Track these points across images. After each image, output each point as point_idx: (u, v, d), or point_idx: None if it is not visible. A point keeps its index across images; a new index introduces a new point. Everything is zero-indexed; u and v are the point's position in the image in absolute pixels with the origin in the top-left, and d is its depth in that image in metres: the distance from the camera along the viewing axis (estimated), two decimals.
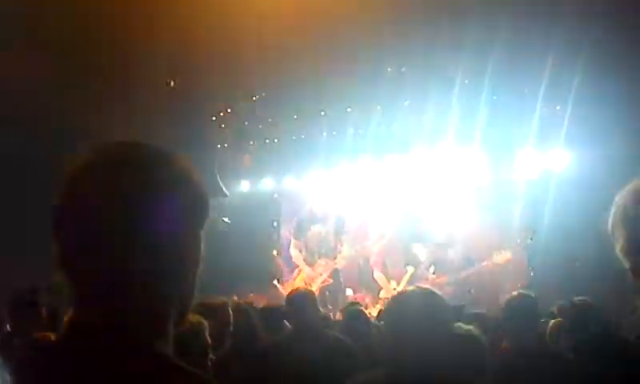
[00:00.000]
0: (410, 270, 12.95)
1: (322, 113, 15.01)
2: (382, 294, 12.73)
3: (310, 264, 14.31)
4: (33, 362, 0.94)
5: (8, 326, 3.95)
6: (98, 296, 0.92)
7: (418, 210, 13.82)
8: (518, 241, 12.94)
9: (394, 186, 14.44)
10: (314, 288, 12.17)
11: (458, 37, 11.15)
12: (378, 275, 13.49)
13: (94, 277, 0.91)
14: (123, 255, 0.91)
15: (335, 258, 14.15)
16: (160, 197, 0.95)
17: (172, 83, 12.42)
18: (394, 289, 12.37)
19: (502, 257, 12.40)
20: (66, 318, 2.67)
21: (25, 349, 2.64)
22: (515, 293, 3.85)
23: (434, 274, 12.62)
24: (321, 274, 13.93)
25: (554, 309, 5.93)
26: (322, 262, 14.25)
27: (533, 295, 3.71)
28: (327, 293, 13.23)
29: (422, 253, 13.11)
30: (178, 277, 0.98)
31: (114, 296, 0.91)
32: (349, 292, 13.68)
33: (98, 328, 0.90)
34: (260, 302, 8.83)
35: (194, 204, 1.01)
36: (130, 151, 0.98)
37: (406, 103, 14.37)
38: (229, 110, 15.31)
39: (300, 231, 14.84)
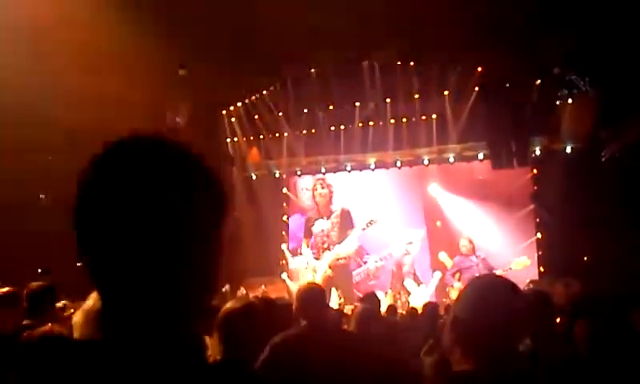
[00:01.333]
0: (438, 275, 13.79)
1: (331, 107, 15.00)
2: (411, 300, 13.32)
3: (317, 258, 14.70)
4: (65, 362, 0.96)
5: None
6: (131, 296, 0.94)
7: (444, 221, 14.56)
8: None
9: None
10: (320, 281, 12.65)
11: None
12: (408, 282, 14.22)
13: (125, 277, 0.93)
14: (155, 255, 0.93)
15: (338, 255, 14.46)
16: (189, 197, 0.97)
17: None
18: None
19: (521, 263, 13.01)
20: (79, 315, 2.72)
21: (43, 345, 2.64)
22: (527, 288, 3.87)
23: (459, 280, 13.08)
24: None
25: None
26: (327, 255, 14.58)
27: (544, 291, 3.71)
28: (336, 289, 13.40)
29: (447, 261, 13.80)
30: (206, 275, 1.00)
31: (149, 295, 0.94)
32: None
33: (139, 328, 0.93)
34: (271, 296, 8.89)
35: (218, 203, 1.02)
36: (157, 152, 0.99)
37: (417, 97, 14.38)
38: (239, 104, 15.35)
39: (308, 229, 15.12)
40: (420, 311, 7.88)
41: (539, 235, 13.69)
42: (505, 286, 1.79)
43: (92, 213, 0.93)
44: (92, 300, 2.60)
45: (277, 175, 16.04)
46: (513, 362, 1.70)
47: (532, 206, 13.85)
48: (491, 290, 1.77)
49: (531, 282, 11.98)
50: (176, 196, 0.95)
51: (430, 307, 7.24)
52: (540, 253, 13.59)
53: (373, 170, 15.34)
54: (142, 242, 0.92)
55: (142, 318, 0.94)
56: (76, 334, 2.94)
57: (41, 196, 12.16)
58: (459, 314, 1.76)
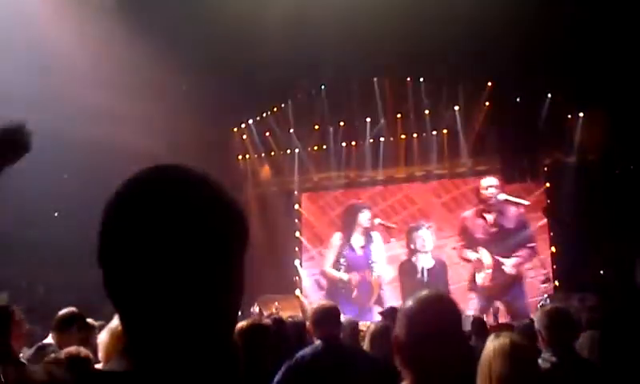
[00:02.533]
0: None
1: (342, 123, 15.05)
2: None
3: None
4: None
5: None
6: (161, 327, 0.95)
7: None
8: None
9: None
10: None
11: None
12: None
13: (154, 311, 0.95)
14: (183, 290, 0.95)
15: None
16: (214, 232, 0.98)
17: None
18: None
19: None
20: (106, 335, 2.74)
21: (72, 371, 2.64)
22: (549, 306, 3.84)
23: None
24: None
25: None
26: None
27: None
28: None
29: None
30: (231, 302, 1.01)
31: (180, 327, 0.95)
32: None
33: (173, 360, 0.94)
34: (284, 313, 8.88)
35: (240, 233, 1.04)
36: (180, 187, 1.00)
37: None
38: (250, 121, 15.43)
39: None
40: None
41: (553, 249, 13.60)
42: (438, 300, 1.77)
43: (120, 254, 0.94)
44: (118, 320, 2.63)
45: (289, 192, 16.06)
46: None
47: (545, 220, 13.76)
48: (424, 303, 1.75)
49: (548, 296, 11.89)
50: (201, 231, 0.95)
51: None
52: (555, 267, 13.49)
53: (384, 185, 15.34)
54: (170, 277, 0.93)
55: (175, 350, 0.95)
56: (101, 354, 2.97)
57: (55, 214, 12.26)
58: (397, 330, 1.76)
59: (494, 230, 14.06)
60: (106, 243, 0.96)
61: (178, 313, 0.93)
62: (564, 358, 3.38)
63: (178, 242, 0.93)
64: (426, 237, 14.62)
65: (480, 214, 14.26)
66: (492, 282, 13.82)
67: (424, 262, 14.52)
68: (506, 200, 13.90)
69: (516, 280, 13.79)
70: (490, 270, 13.88)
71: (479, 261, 14.00)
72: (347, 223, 15.26)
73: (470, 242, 14.24)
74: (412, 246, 14.70)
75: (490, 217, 14.13)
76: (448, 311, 1.74)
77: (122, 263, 0.94)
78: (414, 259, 14.62)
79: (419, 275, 14.46)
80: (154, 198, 0.96)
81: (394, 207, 15.13)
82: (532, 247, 13.91)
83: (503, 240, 13.97)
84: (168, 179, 0.99)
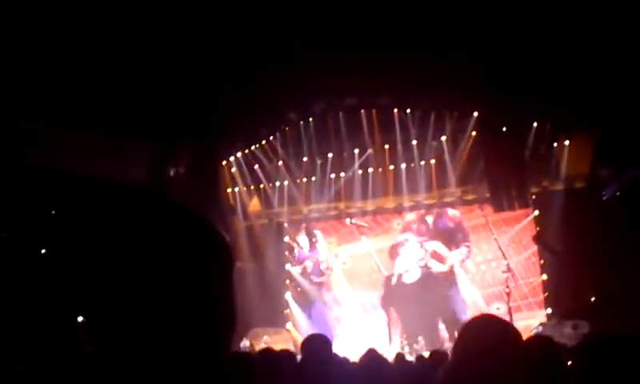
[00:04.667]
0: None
1: (330, 155, 15.09)
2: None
3: None
4: None
5: None
6: (147, 357, 0.93)
7: None
8: None
9: None
10: None
11: None
12: None
13: (137, 342, 0.92)
14: (168, 323, 0.93)
15: None
16: (201, 266, 0.97)
17: None
18: None
19: None
20: None
21: None
22: None
23: None
24: None
25: None
26: None
27: None
28: None
29: None
30: (223, 332, 0.99)
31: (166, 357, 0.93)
32: None
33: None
34: (275, 347, 8.76)
35: (227, 263, 1.02)
36: (162, 219, 0.99)
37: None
38: (239, 154, 15.44)
39: None
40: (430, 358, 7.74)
41: (544, 277, 13.60)
42: (502, 328, 1.75)
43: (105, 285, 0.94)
44: None
45: (278, 224, 16.01)
46: None
47: (535, 248, 13.80)
48: (486, 330, 1.73)
49: (540, 324, 11.85)
50: (187, 266, 0.95)
51: (438, 355, 7.11)
52: (546, 294, 13.48)
53: (374, 216, 15.35)
54: (155, 309, 0.92)
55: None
56: None
57: None
58: (453, 356, 1.73)
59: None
60: (88, 271, 0.94)
61: (158, 343, 0.91)
62: None
63: (158, 271, 0.92)
64: (408, 252, 14.67)
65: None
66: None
67: (408, 276, 14.53)
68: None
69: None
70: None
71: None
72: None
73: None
74: (395, 260, 14.78)
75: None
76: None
77: (102, 289, 0.93)
78: (397, 273, 14.65)
79: (403, 289, 14.51)
80: (136, 236, 0.95)
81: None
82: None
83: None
84: (147, 213, 0.98)
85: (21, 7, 9.18)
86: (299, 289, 15.49)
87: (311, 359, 3.84)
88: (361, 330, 14.50)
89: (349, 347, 12.36)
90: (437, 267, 14.43)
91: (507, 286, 12.21)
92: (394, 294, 14.59)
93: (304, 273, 15.54)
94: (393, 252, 14.89)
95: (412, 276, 14.53)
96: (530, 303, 13.73)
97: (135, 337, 0.92)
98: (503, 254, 12.94)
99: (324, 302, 15.29)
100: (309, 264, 15.55)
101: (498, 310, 12.98)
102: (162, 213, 1.00)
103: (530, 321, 12.82)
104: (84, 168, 10.81)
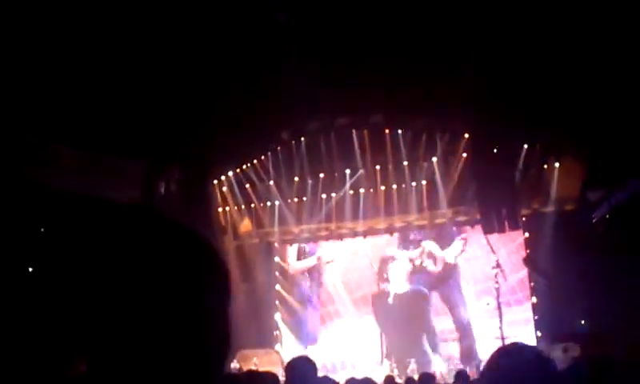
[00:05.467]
0: None
1: (321, 175, 15.09)
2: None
3: None
4: None
5: None
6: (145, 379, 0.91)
7: None
8: None
9: None
10: None
11: None
12: None
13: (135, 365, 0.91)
14: (168, 342, 0.91)
15: None
16: (200, 287, 0.96)
17: None
18: None
19: None
20: None
21: None
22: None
23: None
24: None
25: None
26: None
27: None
28: None
29: None
30: (217, 352, 1.00)
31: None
32: None
33: None
34: (263, 368, 8.69)
35: (224, 287, 1.02)
36: (162, 238, 0.98)
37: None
38: (230, 173, 15.43)
39: None
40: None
41: (534, 299, 13.59)
42: (537, 357, 1.73)
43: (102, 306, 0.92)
44: None
45: (268, 244, 15.96)
46: None
47: (526, 271, 13.80)
48: (520, 359, 1.71)
49: None
50: (182, 282, 0.94)
51: (426, 377, 7.07)
52: (536, 317, 13.45)
53: (364, 237, 15.33)
54: (149, 327, 0.91)
55: None
56: None
57: None
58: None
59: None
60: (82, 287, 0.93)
61: (151, 363, 0.89)
62: None
63: (161, 296, 0.91)
64: (398, 267, 14.67)
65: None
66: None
67: (396, 290, 14.53)
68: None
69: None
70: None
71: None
72: None
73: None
74: (384, 275, 14.76)
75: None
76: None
77: (97, 311, 0.91)
78: (384, 288, 14.68)
79: (390, 303, 14.49)
80: (135, 254, 0.94)
81: None
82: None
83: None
84: (146, 230, 0.97)
85: (13, 26, 9.20)
86: (308, 283, 15.56)
87: (295, 381, 3.80)
88: (352, 330, 14.76)
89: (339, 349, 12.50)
90: (431, 267, 14.46)
91: (496, 282, 12.20)
92: (384, 311, 14.57)
93: (312, 269, 15.65)
94: (383, 266, 14.88)
95: (400, 290, 14.55)
96: (519, 298, 13.82)
97: (128, 357, 0.90)
98: (492, 249, 12.93)
99: (319, 297, 15.38)
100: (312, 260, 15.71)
101: (488, 305, 13.12)
102: (158, 229, 0.99)
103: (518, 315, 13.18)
104: (76, 185, 10.76)
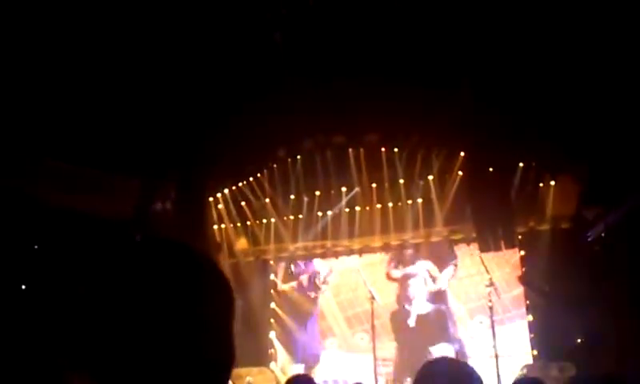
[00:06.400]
0: None
1: (317, 193, 15.11)
2: None
3: None
4: None
5: None
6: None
7: None
8: None
9: None
10: None
11: None
12: None
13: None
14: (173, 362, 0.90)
15: None
16: (208, 308, 0.98)
17: None
18: None
19: None
20: None
21: None
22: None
23: None
24: None
25: None
26: None
27: None
28: None
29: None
30: (221, 368, 0.99)
31: None
32: None
33: None
34: None
35: (228, 305, 1.02)
36: (170, 261, 0.97)
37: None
38: (226, 191, 15.42)
39: None
40: None
41: (530, 317, 13.56)
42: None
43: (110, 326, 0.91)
44: None
45: (264, 261, 15.91)
46: None
47: (521, 289, 13.79)
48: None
49: (525, 366, 11.77)
50: (194, 308, 0.94)
51: None
52: (532, 336, 13.41)
53: (360, 255, 15.30)
54: (149, 343, 0.90)
55: None
56: None
57: None
58: None
59: None
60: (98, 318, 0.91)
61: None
62: None
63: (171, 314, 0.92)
64: (419, 284, 14.58)
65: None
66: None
67: (416, 309, 14.36)
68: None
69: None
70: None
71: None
72: None
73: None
74: (407, 294, 14.61)
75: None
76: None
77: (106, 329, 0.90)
78: (406, 306, 14.47)
79: (409, 322, 14.31)
80: (143, 278, 0.93)
81: None
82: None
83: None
84: (155, 256, 0.97)
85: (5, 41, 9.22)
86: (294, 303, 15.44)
87: None
88: (347, 346, 14.68)
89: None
90: (431, 285, 14.43)
91: (490, 300, 12.15)
92: (403, 329, 14.39)
93: (299, 288, 15.46)
94: (404, 283, 14.74)
95: (422, 310, 14.41)
96: (512, 316, 13.77)
97: (130, 373, 0.89)
98: (486, 269, 12.92)
99: (316, 315, 15.24)
100: (304, 278, 15.52)
101: (482, 323, 13.03)
102: (156, 244, 0.99)
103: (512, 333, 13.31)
104: (69, 202, 10.73)
